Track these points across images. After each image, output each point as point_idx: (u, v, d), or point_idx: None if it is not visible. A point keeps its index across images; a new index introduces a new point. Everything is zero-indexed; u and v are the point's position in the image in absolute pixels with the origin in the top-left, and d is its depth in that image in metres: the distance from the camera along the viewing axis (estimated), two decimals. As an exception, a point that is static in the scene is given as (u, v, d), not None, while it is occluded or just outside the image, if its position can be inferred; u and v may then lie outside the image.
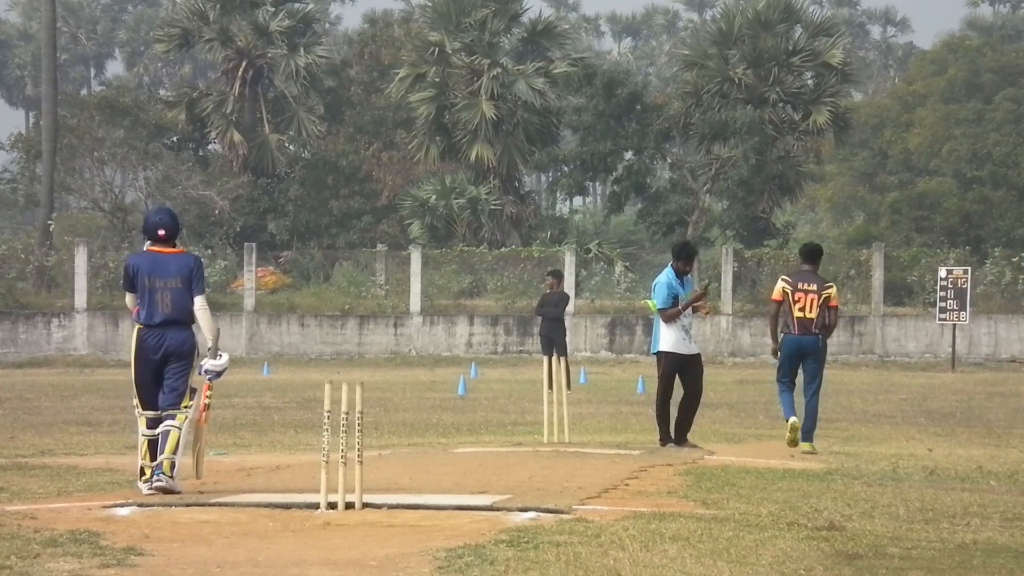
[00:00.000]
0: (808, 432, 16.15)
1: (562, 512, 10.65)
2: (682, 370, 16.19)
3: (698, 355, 16.39)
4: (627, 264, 48.18)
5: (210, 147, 58.81)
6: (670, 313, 16.07)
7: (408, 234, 50.95)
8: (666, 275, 16.27)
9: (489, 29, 52.47)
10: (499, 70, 52.15)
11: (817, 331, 16.01)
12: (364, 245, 50.87)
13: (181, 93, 58.65)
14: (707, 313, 17.58)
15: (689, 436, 16.39)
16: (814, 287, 16.02)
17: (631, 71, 73.32)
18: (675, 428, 16.33)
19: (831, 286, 16.24)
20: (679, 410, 16.37)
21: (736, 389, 30.65)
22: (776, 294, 16.19)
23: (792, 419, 15.97)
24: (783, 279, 16.25)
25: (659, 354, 16.29)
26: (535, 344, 39.66)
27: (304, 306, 44.89)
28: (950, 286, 40.37)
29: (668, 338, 16.19)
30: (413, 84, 52.98)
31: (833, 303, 16.15)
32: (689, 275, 16.37)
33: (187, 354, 11.61)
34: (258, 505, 11.05)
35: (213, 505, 11.13)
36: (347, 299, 45.08)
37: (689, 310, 16.21)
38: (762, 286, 44.89)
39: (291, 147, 58.82)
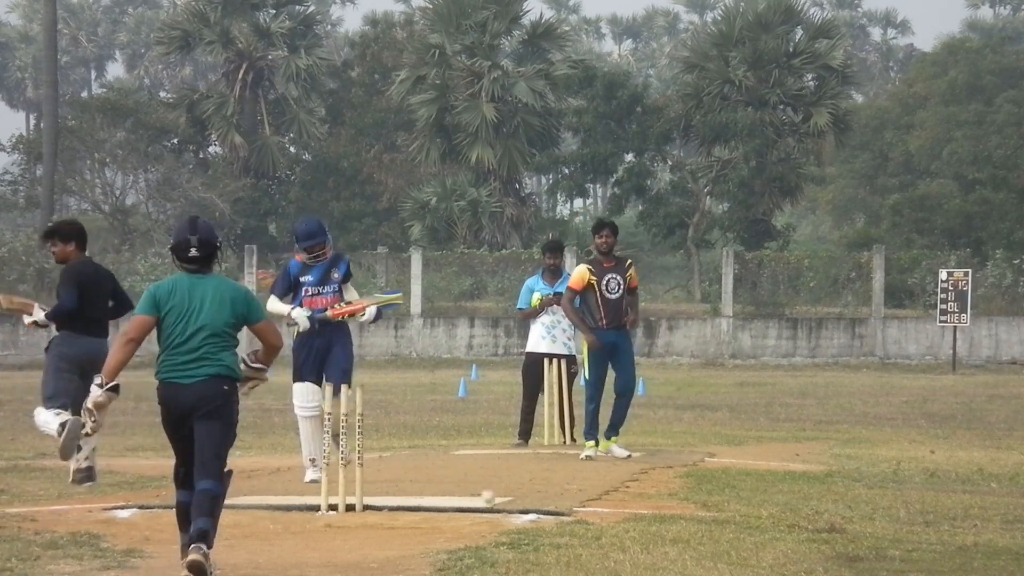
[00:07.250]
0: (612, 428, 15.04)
1: (563, 514, 10.66)
2: (543, 369, 16.22)
3: (567, 356, 16.36)
4: (627, 266, 48.16)
5: (211, 149, 58.78)
6: (523, 314, 16.48)
7: (409, 236, 50.92)
8: (536, 277, 16.56)
9: (489, 31, 52.43)
10: (499, 72, 52.12)
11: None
12: (365, 247, 50.83)
13: (182, 95, 58.60)
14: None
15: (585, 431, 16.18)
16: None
17: (631, 73, 73.30)
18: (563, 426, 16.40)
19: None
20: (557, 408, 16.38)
21: (736, 391, 30.64)
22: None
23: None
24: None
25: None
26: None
27: (304, 308, 44.81)
28: (951, 288, 40.35)
29: (529, 336, 16.53)
30: (414, 86, 52.94)
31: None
32: (565, 273, 16.11)
33: None
34: (259, 507, 11.05)
35: (214, 507, 11.11)
36: (347, 301, 45.01)
37: (560, 311, 15.86)
38: (763, 288, 44.92)
39: (292, 149, 58.81)
